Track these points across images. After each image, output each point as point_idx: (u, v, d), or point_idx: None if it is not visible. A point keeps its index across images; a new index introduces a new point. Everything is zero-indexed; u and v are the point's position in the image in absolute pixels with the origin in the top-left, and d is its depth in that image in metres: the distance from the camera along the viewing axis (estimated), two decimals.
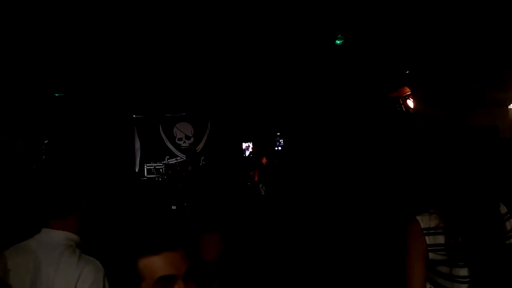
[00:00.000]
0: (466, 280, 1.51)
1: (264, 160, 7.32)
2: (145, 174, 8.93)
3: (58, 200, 1.57)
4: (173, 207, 4.33)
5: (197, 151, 9.28)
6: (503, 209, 1.60)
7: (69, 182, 1.61)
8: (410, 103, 7.09)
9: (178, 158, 9.30)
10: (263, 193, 3.72)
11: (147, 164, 9.18)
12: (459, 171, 1.54)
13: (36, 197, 1.60)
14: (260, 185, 4.97)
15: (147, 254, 1.01)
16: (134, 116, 9.25)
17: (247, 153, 7.47)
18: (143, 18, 4.19)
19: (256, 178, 7.14)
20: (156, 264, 1.00)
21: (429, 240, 1.53)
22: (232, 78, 6.35)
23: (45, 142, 5.65)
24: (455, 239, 1.51)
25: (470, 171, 1.54)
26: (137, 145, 9.34)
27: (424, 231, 1.54)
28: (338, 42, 4.86)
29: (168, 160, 9.16)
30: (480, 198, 1.55)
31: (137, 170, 9.08)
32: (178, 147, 9.40)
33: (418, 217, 1.56)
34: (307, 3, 3.92)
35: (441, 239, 1.53)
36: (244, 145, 7.86)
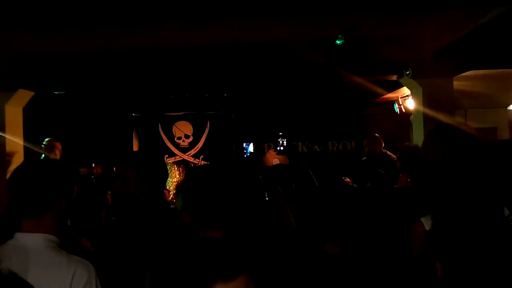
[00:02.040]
0: None
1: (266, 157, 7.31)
2: None
3: (33, 195, 1.48)
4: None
5: (196, 150, 9.30)
6: (506, 212, 1.60)
7: (46, 176, 1.52)
8: (409, 103, 7.10)
9: (176, 157, 9.29)
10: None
11: None
12: (461, 173, 1.54)
13: (12, 195, 1.50)
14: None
15: (222, 280, 0.95)
16: (133, 114, 9.24)
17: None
18: (143, 16, 4.18)
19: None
20: None
21: None
22: (232, 77, 6.34)
23: (45, 140, 5.64)
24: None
25: (472, 173, 1.54)
26: (136, 143, 9.33)
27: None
28: (338, 42, 4.86)
29: (167, 159, 9.14)
30: (484, 200, 1.54)
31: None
32: (177, 146, 9.40)
33: (422, 219, 1.57)
34: (306, 3, 3.91)
35: None
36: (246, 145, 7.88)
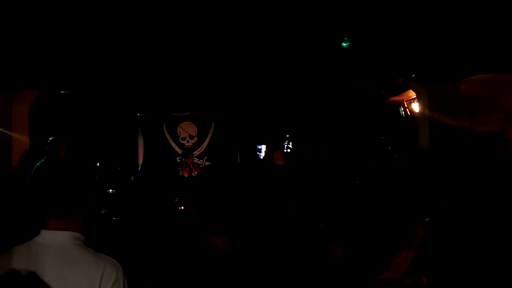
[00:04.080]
0: None
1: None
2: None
3: (66, 197, 1.47)
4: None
5: (201, 151, 9.31)
6: None
7: (78, 177, 1.52)
8: (415, 107, 7.07)
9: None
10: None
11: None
12: (466, 176, 1.54)
13: (40, 195, 1.48)
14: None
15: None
16: (138, 114, 9.27)
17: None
18: (149, 16, 4.19)
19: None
20: None
21: None
22: (237, 78, 6.35)
23: (50, 139, 5.67)
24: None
25: (474, 175, 1.54)
26: (141, 143, 9.36)
27: None
28: (345, 44, 4.85)
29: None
30: (487, 203, 1.54)
31: (139, 169, 9.10)
32: (181, 146, 9.41)
33: (427, 220, 1.57)
34: (314, 5, 3.92)
35: None
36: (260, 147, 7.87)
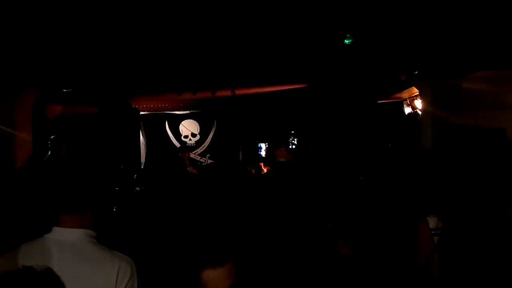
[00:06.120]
0: None
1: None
2: None
3: (82, 192, 1.48)
4: None
5: (203, 149, 9.32)
6: None
7: (94, 173, 1.54)
8: (418, 103, 7.06)
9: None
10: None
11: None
12: (466, 173, 1.55)
13: (56, 190, 1.50)
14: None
15: (213, 266, 1.05)
16: (140, 112, 9.29)
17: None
18: (150, 15, 4.19)
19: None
20: (222, 275, 1.06)
21: (436, 240, 1.58)
22: (238, 76, 6.35)
23: (52, 137, 5.68)
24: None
25: (477, 172, 1.55)
26: (143, 141, 9.38)
27: (432, 231, 1.60)
28: (347, 41, 4.84)
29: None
30: (486, 200, 1.55)
31: (142, 167, 9.12)
32: (183, 144, 9.42)
33: (428, 218, 1.64)
34: (317, 1, 3.91)
35: None
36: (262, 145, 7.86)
